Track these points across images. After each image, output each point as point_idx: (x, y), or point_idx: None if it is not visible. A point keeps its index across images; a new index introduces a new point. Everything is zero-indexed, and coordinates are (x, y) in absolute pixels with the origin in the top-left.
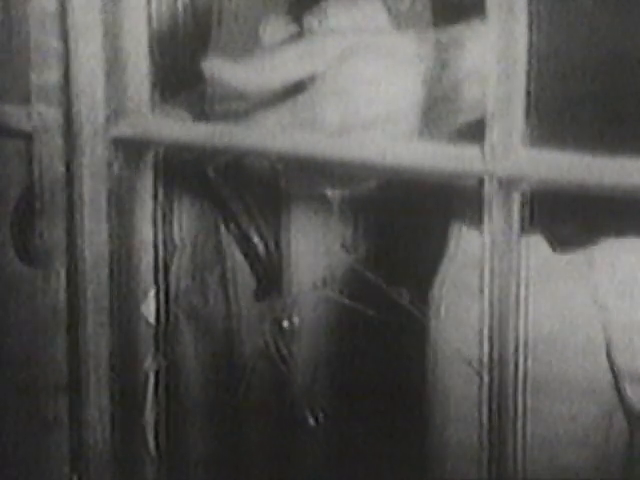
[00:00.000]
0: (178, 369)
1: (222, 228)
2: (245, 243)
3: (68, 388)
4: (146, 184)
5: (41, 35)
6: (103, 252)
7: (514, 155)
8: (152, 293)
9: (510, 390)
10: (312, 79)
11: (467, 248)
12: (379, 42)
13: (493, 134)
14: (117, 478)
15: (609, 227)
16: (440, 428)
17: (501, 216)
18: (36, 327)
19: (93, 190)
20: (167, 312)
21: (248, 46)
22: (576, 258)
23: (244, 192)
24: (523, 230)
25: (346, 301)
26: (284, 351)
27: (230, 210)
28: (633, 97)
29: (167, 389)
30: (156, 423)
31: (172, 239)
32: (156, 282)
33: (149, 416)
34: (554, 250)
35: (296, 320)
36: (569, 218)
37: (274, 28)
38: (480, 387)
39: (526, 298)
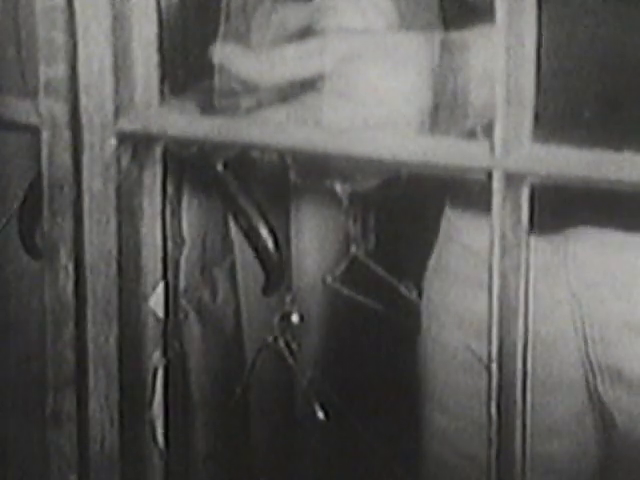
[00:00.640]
0: (187, 363)
1: (231, 223)
2: (254, 238)
3: (75, 383)
4: (154, 178)
5: (49, 29)
6: (110, 246)
7: (522, 150)
8: (160, 287)
9: (518, 384)
10: (320, 77)
11: (473, 242)
12: (388, 42)
13: (502, 129)
14: (124, 472)
15: (584, 216)
16: (447, 422)
17: (509, 210)
18: (43, 321)
19: (100, 184)
20: (176, 307)
21: (256, 40)
22: (550, 250)
23: (253, 187)
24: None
25: (354, 295)
26: (293, 345)
27: (239, 205)
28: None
29: (176, 383)
30: (165, 417)
31: (180, 233)
32: (164, 276)
33: (158, 410)
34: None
35: (305, 314)
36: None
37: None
38: (489, 381)
39: (533, 291)
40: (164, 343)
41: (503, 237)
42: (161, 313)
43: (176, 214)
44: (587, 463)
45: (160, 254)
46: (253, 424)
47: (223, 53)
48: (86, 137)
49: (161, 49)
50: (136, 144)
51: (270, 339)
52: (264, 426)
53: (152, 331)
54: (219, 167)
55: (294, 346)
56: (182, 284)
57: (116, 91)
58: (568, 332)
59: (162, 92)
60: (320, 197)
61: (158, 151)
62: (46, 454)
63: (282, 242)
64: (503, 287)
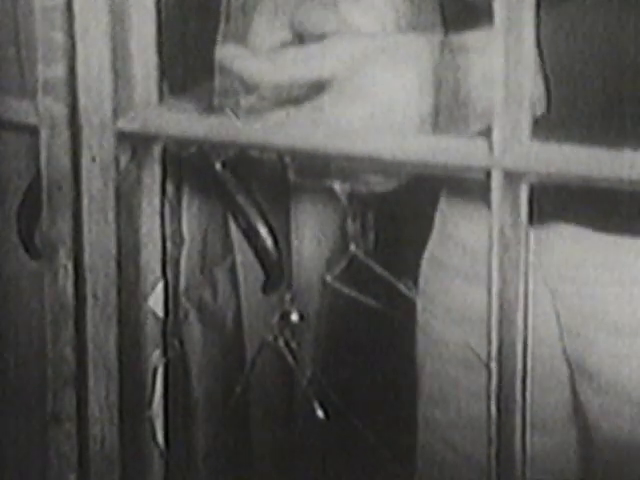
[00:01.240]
0: (187, 362)
1: (231, 222)
2: (253, 237)
3: (75, 382)
4: (153, 177)
5: (47, 29)
6: (110, 246)
7: (521, 148)
8: (160, 287)
9: (518, 382)
10: (324, 80)
11: (472, 239)
12: (390, 45)
13: (501, 127)
14: (124, 472)
15: (560, 211)
16: (447, 420)
17: (508, 209)
18: (42, 321)
19: (100, 183)
20: (176, 306)
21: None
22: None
23: (252, 186)
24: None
25: (354, 294)
26: (292, 344)
27: (238, 204)
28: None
29: (176, 382)
30: (165, 416)
31: (180, 232)
32: (164, 276)
33: (157, 409)
34: None
35: (304, 313)
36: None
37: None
38: (488, 379)
39: (532, 288)
40: (164, 342)
41: (502, 235)
42: (160, 312)
43: (176, 213)
44: (567, 462)
45: (159, 253)
46: (253, 423)
47: (226, 54)
48: (85, 137)
49: (160, 49)
50: (135, 144)
51: (270, 338)
52: (264, 425)
53: (151, 330)
54: (218, 166)
55: (294, 345)
56: (182, 283)
57: (115, 91)
58: (551, 328)
59: (161, 92)
60: (319, 196)
61: (157, 151)
62: (46, 453)
63: (281, 241)
64: (502, 285)
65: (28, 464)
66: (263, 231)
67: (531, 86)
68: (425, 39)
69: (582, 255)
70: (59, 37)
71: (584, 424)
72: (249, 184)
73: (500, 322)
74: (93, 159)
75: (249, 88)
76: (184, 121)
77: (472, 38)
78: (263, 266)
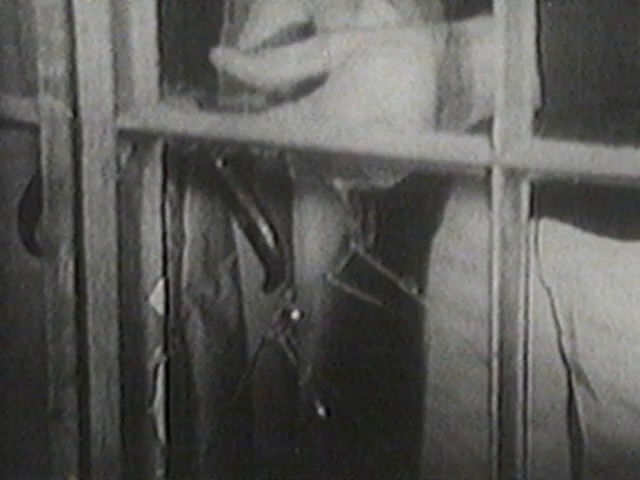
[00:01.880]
0: (189, 360)
1: (233, 219)
2: (254, 234)
3: (76, 380)
4: (154, 175)
5: (48, 27)
6: (111, 243)
7: (522, 145)
8: (161, 284)
9: (519, 379)
10: (324, 76)
11: (478, 235)
12: (391, 37)
13: (501, 124)
14: (125, 469)
15: (551, 208)
16: (448, 418)
17: (509, 206)
18: (43, 318)
19: (100, 181)
20: (177, 303)
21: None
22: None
23: (253, 183)
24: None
25: (355, 292)
26: (293, 341)
27: (238, 201)
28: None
29: (178, 380)
30: (166, 414)
31: (182, 230)
32: (164, 273)
33: (159, 407)
34: None
35: (305, 311)
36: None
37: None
38: (489, 376)
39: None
40: (165, 340)
41: (503, 233)
42: (161, 310)
43: (177, 211)
44: (559, 460)
45: (160, 251)
46: (255, 421)
47: (222, 58)
48: (85, 135)
49: (160, 46)
50: (136, 141)
51: (271, 335)
52: (266, 423)
53: (153, 328)
54: (219, 164)
55: (294, 342)
56: (184, 281)
57: (115, 89)
58: (548, 324)
59: (161, 89)
60: (320, 194)
61: (158, 148)
62: (47, 451)
63: (283, 239)
64: (503, 283)
65: (29, 461)
66: (264, 229)
67: (532, 83)
68: (427, 29)
69: (578, 255)
70: (59, 35)
71: (576, 423)
72: (250, 182)
73: (501, 320)
74: (93, 157)
75: (253, 90)
76: (185, 119)
77: (473, 26)
78: (264, 264)
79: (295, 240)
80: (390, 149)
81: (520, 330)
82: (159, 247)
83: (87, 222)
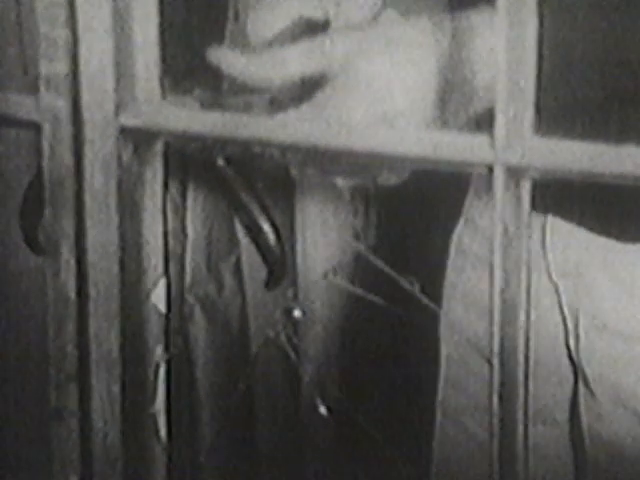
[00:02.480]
0: (192, 358)
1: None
2: (256, 232)
3: (77, 378)
4: (156, 174)
5: (50, 25)
6: (112, 242)
7: (524, 143)
8: (162, 283)
9: (520, 377)
10: (324, 76)
11: (476, 235)
12: (392, 34)
13: (503, 122)
14: (127, 467)
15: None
16: (451, 415)
17: (511, 204)
18: (45, 317)
19: (102, 179)
20: (180, 301)
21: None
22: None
23: (255, 182)
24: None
25: (357, 290)
26: (295, 340)
27: (240, 200)
28: None
29: (180, 378)
30: (167, 412)
31: (184, 228)
32: (166, 272)
33: (160, 406)
34: None
35: (307, 309)
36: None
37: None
38: (490, 374)
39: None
40: (166, 339)
41: (505, 231)
42: (163, 309)
43: (179, 209)
44: (560, 457)
45: (162, 250)
46: (256, 418)
47: (219, 57)
48: (87, 133)
49: (162, 44)
50: (137, 139)
51: (272, 334)
52: (267, 420)
53: (154, 327)
54: (220, 162)
55: (296, 341)
56: (188, 279)
57: (117, 87)
58: (556, 321)
59: (163, 87)
60: (323, 192)
61: (159, 146)
62: (48, 449)
63: (285, 237)
64: (505, 281)
65: (31, 460)
66: (266, 227)
67: (533, 80)
68: (429, 23)
69: (584, 254)
70: (61, 33)
71: (579, 423)
72: (252, 180)
73: (502, 317)
74: (95, 155)
75: (256, 92)
76: (186, 117)
77: (476, 17)
78: (266, 262)
79: (297, 238)
80: (391, 147)
81: (521, 328)
82: (161, 245)
83: (89, 220)
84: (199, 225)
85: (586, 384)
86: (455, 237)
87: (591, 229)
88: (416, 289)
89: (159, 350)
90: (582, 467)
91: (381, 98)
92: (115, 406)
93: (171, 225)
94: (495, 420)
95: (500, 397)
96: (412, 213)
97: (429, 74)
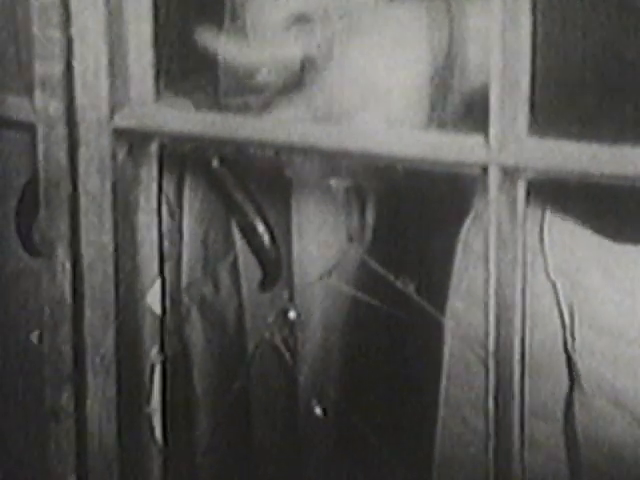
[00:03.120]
0: (188, 359)
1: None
2: (250, 233)
3: (73, 379)
4: (150, 174)
5: (44, 27)
6: (107, 243)
7: (518, 144)
8: (157, 284)
9: (516, 378)
10: (308, 61)
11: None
12: (378, 18)
13: (497, 123)
14: (122, 468)
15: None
16: (446, 417)
17: (506, 204)
18: (41, 318)
19: (96, 180)
20: (175, 303)
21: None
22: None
23: (249, 183)
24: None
25: (352, 292)
26: (290, 341)
27: (235, 201)
28: (636, 86)
29: (175, 379)
30: (163, 412)
31: (180, 229)
32: (161, 273)
33: (155, 406)
34: None
35: (302, 311)
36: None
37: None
38: (486, 375)
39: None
40: (161, 340)
41: (500, 231)
42: (158, 310)
43: (174, 210)
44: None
45: (157, 251)
46: (252, 419)
47: (206, 38)
48: (82, 134)
49: (156, 46)
50: (132, 141)
51: (267, 335)
52: (263, 421)
53: (149, 328)
54: (215, 163)
55: (291, 342)
56: (184, 280)
57: (111, 88)
58: (553, 319)
59: (157, 89)
60: (317, 193)
61: (154, 147)
62: (45, 450)
63: (280, 239)
64: (500, 280)
65: (27, 461)
66: (260, 228)
67: (527, 81)
68: (422, 6)
69: (582, 254)
70: (56, 35)
71: (573, 421)
72: (247, 181)
73: (498, 319)
74: (90, 156)
75: (255, 87)
76: (181, 118)
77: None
78: (260, 263)
79: (292, 239)
80: (386, 147)
81: (517, 329)
82: (155, 246)
83: (84, 221)
84: (195, 226)
85: (581, 382)
86: (462, 235)
87: (590, 228)
88: (411, 289)
89: (154, 351)
90: (576, 464)
91: (372, 81)
92: (111, 406)
93: (166, 226)
94: (491, 417)
95: (496, 395)
96: (408, 214)
97: (421, 57)
